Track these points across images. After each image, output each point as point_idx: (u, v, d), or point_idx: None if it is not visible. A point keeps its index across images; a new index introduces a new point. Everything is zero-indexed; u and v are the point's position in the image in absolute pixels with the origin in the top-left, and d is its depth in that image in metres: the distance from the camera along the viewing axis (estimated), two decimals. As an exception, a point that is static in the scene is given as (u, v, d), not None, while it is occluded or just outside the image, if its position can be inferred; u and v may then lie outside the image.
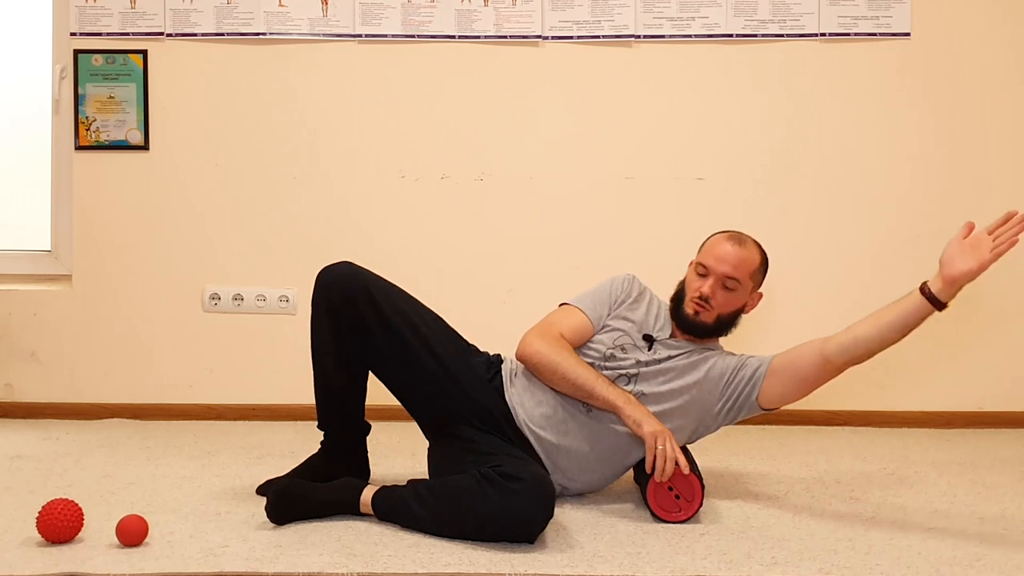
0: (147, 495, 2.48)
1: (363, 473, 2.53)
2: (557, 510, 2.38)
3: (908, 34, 3.38)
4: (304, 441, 2.88)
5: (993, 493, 2.60)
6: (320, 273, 2.43)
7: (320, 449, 2.52)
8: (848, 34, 3.38)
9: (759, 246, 2.50)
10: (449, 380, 2.44)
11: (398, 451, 2.94)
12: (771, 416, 3.34)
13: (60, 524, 2.07)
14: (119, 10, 3.41)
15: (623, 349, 2.49)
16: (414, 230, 3.44)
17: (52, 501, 2.10)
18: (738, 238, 2.48)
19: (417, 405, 2.51)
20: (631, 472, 2.55)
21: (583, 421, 2.43)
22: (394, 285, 2.47)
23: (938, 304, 2.28)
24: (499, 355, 2.58)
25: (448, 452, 2.44)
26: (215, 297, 3.46)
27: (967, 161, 3.42)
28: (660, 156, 3.43)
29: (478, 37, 3.41)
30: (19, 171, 3.67)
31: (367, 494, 2.27)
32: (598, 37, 3.40)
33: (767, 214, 3.42)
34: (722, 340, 2.59)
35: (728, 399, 2.47)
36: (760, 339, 3.33)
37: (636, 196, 3.43)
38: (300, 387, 3.38)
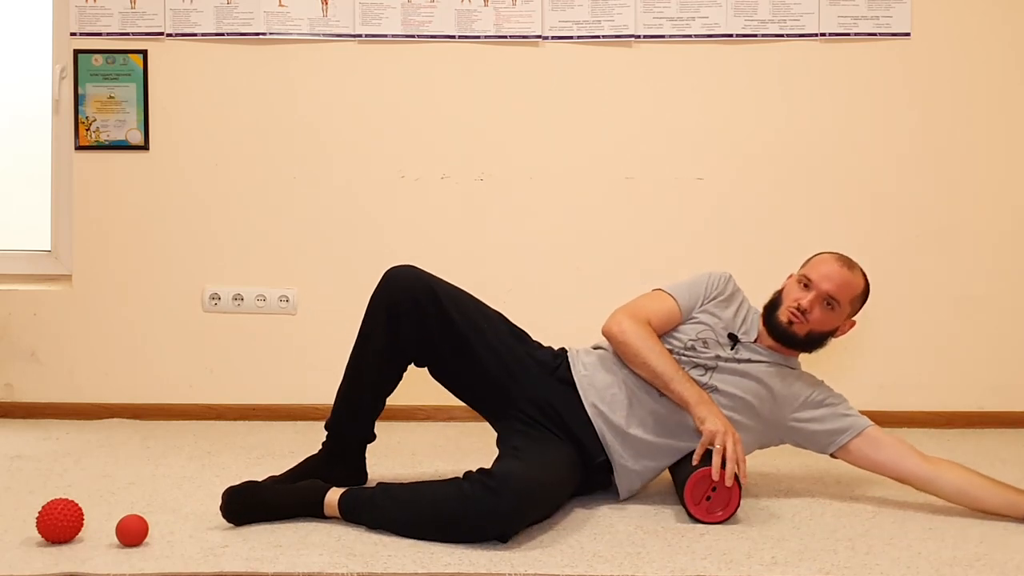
0: (147, 495, 2.48)
1: (360, 478, 2.53)
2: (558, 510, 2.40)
3: (908, 34, 3.38)
4: (304, 441, 2.88)
5: (993, 493, 2.60)
6: (387, 272, 2.45)
7: (320, 450, 2.52)
8: (848, 34, 3.38)
9: (865, 275, 2.50)
10: (508, 377, 2.45)
11: (398, 451, 2.94)
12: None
13: (60, 524, 2.07)
14: (119, 10, 3.41)
15: (705, 343, 2.50)
16: (414, 230, 3.44)
17: (52, 501, 2.10)
18: (848, 262, 2.49)
19: (478, 403, 2.53)
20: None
21: (652, 408, 2.43)
22: (459, 288, 2.50)
23: None
24: (564, 348, 2.58)
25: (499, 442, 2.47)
26: (215, 297, 3.46)
27: (967, 161, 3.42)
28: (660, 156, 3.43)
29: (478, 37, 3.41)
30: (19, 171, 3.67)
31: (332, 496, 2.25)
32: (598, 37, 3.40)
33: (767, 214, 3.42)
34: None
35: (797, 429, 2.48)
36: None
37: (636, 196, 3.43)
38: (300, 387, 3.40)
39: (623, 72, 3.42)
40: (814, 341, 2.50)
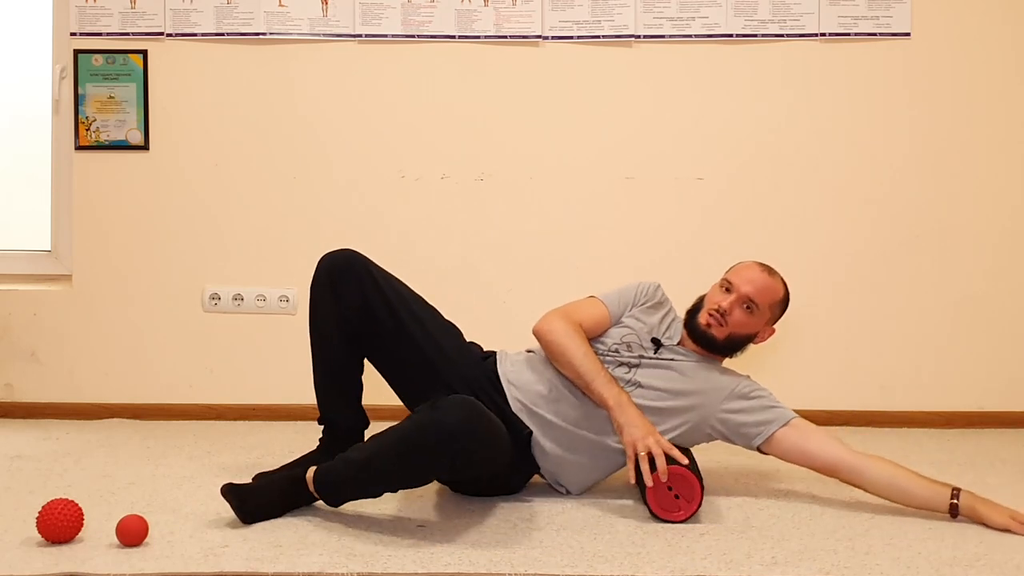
0: (147, 495, 2.48)
1: None
2: (557, 509, 2.40)
3: (908, 34, 3.38)
4: (304, 441, 2.88)
5: (993, 493, 2.59)
6: (322, 257, 2.53)
7: (319, 445, 2.55)
8: (848, 34, 3.38)
9: (785, 284, 2.57)
10: (440, 355, 2.51)
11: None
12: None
13: (60, 524, 2.07)
14: (119, 10, 3.41)
15: (629, 347, 2.55)
16: (414, 230, 3.44)
17: (52, 501, 2.10)
18: (768, 269, 2.55)
19: (410, 386, 2.54)
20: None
21: (573, 404, 2.47)
22: (390, 273, 2.58)
23: (954, 514, 2.34)
24: (493, 350, 2.63)
25: None
26: (215, 297, 3.46)
27: (967, 161, 3.42)
28: (660, 156, 3.43)
29: (478, 37, 3.41)
30: (19, 171, 3.67)
31: (311, 471, 2.31)
32: (598, 37, 3.40)
33: (766, 214, 3.42)
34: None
35: (724, 420, 2.50)
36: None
37: (636, 196, 3.43)
38: (300, 387, 3.38)
39: (623, 72, 3.42)
40: (733, 345, 2.55)
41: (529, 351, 2.62)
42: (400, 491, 2.41)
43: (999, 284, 3.44)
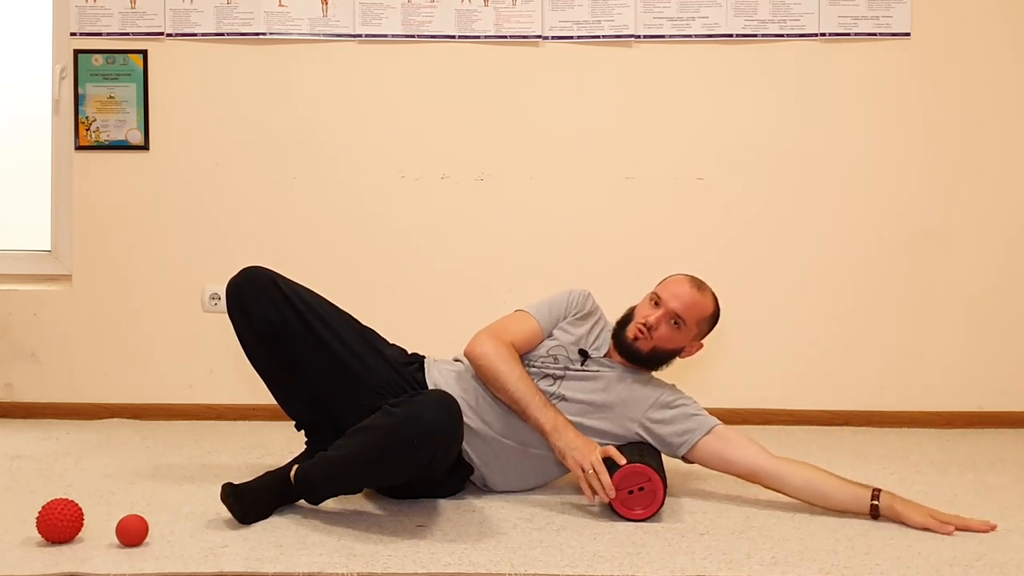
0: (147, 495, 2.48)
1: None
2: (557, 509, 2.40)
3: (908, 34, 3.38)
4: (303, 441, 2.88)
5: (993, 493, 2.60)
6: (228, 282, 2.50)
7: (306, 447, 2.56)
8: (848, 34, 3.38)
9: (716, 299, 2.56)
10: (357, 360, 2.45)
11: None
12: (771, 416, 3.36)
13: (60, 524, 2.07)
14: (119, 10, 3.41)
15: (555, 359, 2.56)
16: (414, 230, 3.44)
17: (52, 501, 2.10)
18: (698, 284, 2.54)
19: (331, 392, 2.49)
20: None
21: (499, 414, 2.48)
22: (301, 285, 2.53)
23: (875, 516, 2.34)
24: (418, 353, 2.62)
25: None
26: (215, 297, 3.45)
27: (967, 161, 3.42)
28: (660, 156, 3.43)
29: (478, 37, 3.41)
30: (19, 171, 3.67)
31: (294, 468, 2.32)
32: (598, 37, 3.40)
33: (767, 214, 3.42)
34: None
35: (649, 429, 2.51)
36: (761, 336, 3.34)
37: (636, 196, 3.43)
38: (300, 387, 3.38)
39: (623, 72, 3.42)
40: (658, 359, 2.55)
41: (457, 359, 2.61)
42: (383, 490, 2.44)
43: (999, 285, 3.44)
